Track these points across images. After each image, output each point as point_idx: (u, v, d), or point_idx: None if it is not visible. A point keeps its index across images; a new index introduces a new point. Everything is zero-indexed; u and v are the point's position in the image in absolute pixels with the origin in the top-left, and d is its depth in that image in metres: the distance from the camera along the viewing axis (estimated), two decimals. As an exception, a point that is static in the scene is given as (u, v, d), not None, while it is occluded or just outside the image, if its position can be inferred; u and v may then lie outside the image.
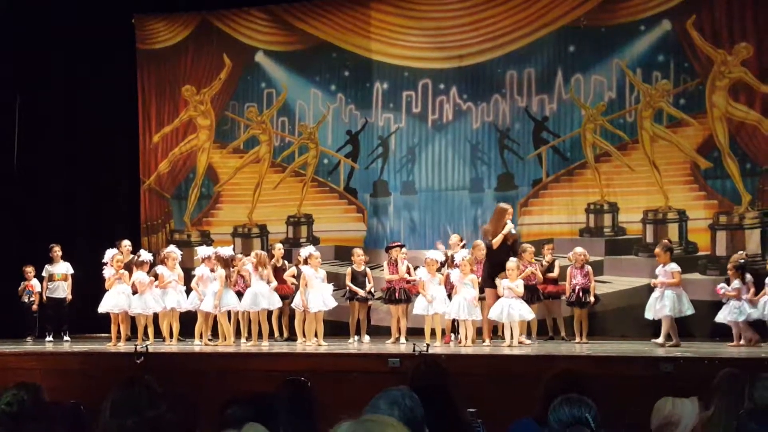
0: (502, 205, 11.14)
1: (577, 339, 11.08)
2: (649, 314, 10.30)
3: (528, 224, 12.83)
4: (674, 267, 10.19)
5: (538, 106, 12.95)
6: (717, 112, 11.92)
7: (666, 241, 10.72)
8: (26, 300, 12.69)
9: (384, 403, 2.96)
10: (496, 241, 10.60)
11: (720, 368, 4.87)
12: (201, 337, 11.25)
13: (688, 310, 10.14)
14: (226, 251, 11.33)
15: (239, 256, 11.96)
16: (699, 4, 12.07)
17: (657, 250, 10.41)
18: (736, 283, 10.15)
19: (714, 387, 4.66)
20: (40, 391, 3.94)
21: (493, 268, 10.61)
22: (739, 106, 11.84)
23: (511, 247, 10.85)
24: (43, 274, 12.63)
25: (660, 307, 10.11)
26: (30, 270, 12.68)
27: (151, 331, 11.39)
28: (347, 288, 11.61)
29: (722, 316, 10.17)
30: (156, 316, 11.52)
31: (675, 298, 10.06)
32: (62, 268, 12.63)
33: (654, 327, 10.76)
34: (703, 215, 11.97)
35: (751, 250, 11.64)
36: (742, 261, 10.37)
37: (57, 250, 12.62)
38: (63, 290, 12.58)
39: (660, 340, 10.05)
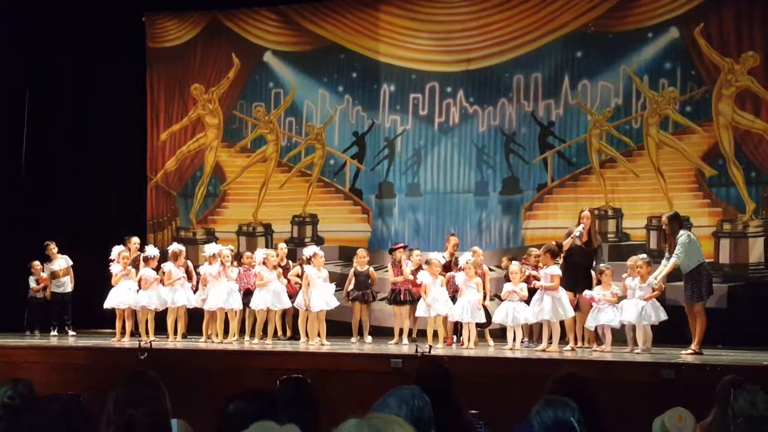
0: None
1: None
2: (530, 317, 10.29)
3: (532, 228, 12.87)
4: (554, 270, 10.04)
5: (544, 110, 12.97)
6: (723, 120, 11.94)
7: (553, 243, 10.49)
8: (41, 296, 12.65)
9: (394, 400, 2.99)
10: (565, 244, 10.38)
11: (722, 375, 4.89)
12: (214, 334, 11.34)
13: (569, 314, 10.07)
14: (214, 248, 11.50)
15: (248, 254, 12.00)
16: (707, 12, 12.09)
17: (540, 251, 10.26)
18: (615, 288, 10.25)
19: (716, 394, 4.67)
20: (32, 386, 3.99)
21: (565, 270, 10.28)
22: (745, 114, 11.86)
23: (594, 253, 10.55)
24: (43, 274, 12.58)
25: (539, 310, 10.06)
26: (37, 264, 12.65)
27: (151, 326, 11.41)
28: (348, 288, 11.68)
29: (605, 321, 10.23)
30: (159, 312, 11.55)
31: (553, 302, 9.96)
32: (62, 263, 12.58)
33: (660, 333, 10.78)
34: (707, 223, 11.96)
35: (755, 259, 11.68)
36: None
37: (52, 247, 12.55)
38: (69, 284, 12.61)
39: (552, 346, 10.03)
